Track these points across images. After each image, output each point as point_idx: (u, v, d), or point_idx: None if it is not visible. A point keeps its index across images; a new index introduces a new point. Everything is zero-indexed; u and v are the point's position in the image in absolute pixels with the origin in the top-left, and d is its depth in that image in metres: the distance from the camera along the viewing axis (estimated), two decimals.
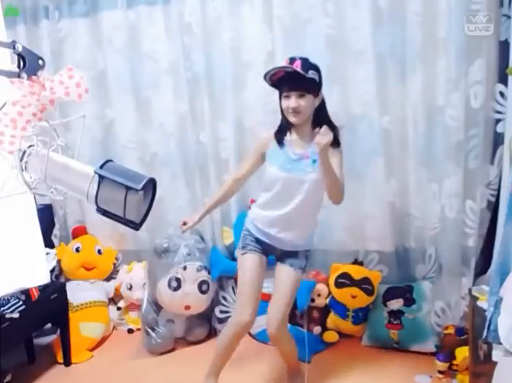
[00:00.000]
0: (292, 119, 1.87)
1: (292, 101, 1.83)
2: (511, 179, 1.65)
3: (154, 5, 2.75)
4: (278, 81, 1.87)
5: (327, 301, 2.66)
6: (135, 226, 1.01)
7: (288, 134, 1.95)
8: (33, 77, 1.05)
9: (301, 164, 1.89)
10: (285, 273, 1.98)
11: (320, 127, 1.74)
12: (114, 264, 3.09)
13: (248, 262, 2.00)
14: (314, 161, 1.86)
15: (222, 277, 2.77)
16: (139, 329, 2.84)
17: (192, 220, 2.06)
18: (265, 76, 1.86)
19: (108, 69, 2.89)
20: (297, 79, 1.80)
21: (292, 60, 1.80)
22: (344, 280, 2.59)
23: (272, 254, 2.06)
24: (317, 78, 1.85)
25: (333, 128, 1.86)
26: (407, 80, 2.42)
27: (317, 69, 1.86)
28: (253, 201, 2.71)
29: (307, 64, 1.82)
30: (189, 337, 2.73)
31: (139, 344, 2.69)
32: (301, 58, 1.82)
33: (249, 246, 2.01)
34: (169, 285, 2.57)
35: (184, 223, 2.07)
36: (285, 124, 1.94)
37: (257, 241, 2.01)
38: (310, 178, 1.87)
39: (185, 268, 2.60)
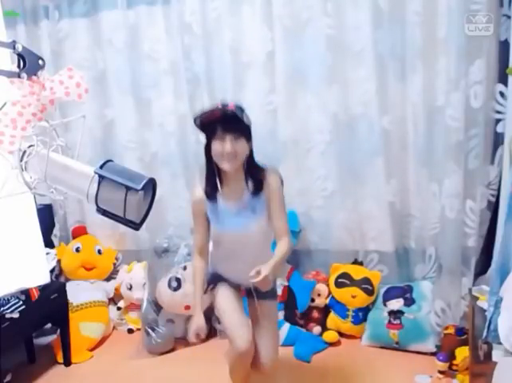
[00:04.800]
0: (225, 165, 1.65)
1: (227, 145, 1.61)
2: (511, 179, 1.66)
3: (154, 5, 2.75)
4: (209, 124, 1.64)
5: (327, 301, 2.66)
6: (136, 226, 1.01)
7: (219, 184, 1.72)
8: (33, 77, 1.05)
9: (241, 217, 1.73)
10: (267, 307, 1.87)
11: (252, 178, 1.69)
12: (114, 264, 3.09)
13: (221, 293, 1.85)
14: (253, 210, 1.73)
15: None
16: (139, 329, 2.84)
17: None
18: (198, 117, 1.65)
19: (108, 69, 2.89)
20: (232, 121, 1.61)
21: (225, 105, 1.63)
22: (344, 280, 2.59)
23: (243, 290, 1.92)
24: (249, 124, 1.68)
25: (261, 169, 1.73)
26: (407, 80, 2.42)
27: (246, 114, 1.67)
28: None
29: (240, 107, 1.64)
30: None
31: (139, 344, 2.69)
32: (234, 102, 1.65)
33: (216, 280, 1.88)
34: (169, 285, 2.57)
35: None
36: (214, 174, 1.71)
37: (224, 279, 1.89)
38: (253, 229, 1.75)
39: (185, 268, 2.59)
